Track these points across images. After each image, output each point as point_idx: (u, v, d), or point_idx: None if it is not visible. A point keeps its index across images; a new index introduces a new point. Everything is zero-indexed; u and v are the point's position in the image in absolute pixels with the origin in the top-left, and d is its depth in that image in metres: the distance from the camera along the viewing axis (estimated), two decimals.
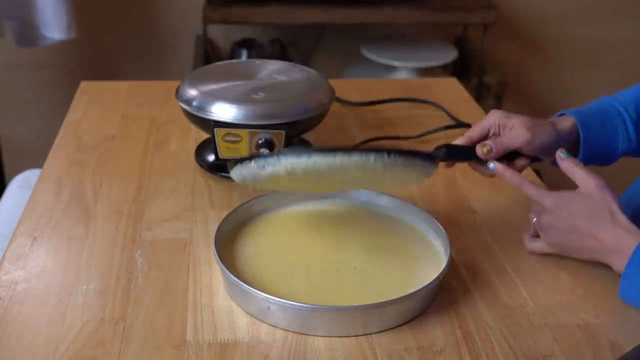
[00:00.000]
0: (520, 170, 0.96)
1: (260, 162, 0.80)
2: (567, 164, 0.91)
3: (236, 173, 0.85)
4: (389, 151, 0.79)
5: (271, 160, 0.80)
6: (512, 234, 0.98)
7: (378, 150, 0.78)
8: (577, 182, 0.89)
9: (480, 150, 0.94)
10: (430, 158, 0.86)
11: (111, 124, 1.28)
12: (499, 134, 0.96)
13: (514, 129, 0.95)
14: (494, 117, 0.96)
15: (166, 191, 1.07)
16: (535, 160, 0.98)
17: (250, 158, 0.81)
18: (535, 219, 0.91)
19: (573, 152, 0.97)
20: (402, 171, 0.83)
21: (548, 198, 0.88)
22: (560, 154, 0.92)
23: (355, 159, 0.77)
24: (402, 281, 0.86)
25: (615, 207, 0.85)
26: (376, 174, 0.81)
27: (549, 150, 0.95)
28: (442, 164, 0.95)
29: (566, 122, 0.97)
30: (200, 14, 2.11)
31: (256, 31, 2.35)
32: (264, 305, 0.79)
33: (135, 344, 0.77)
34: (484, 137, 0.97)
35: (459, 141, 0.97)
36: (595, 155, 0.98)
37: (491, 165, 0.94)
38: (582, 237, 0.86)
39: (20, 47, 2.04)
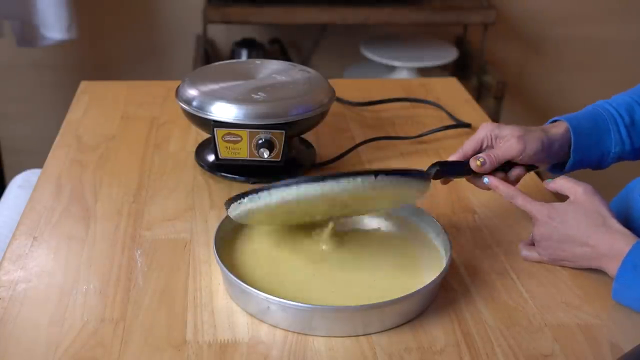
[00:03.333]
0: (517, 180, 0.97)
1: (254, 197, 0.82)
2: (554, 183, 0.92)
3: (232, 213, 0.86)
4: (377, 172, 0.79)
5: (263, 193, 0.81)
6: (512, 234, 0.98)
7: (366, 173, 0.79)
8: (566, 193, 0.90)
9: (474, 164, 0.94)
10: (421, 176, 0.85)
11: (111, 124, 1.28)
12: (492, 146, 0.97)
13: (505, 140, 0.95)
14: (486, 130, 0.97)
15: (166, 191, 1.07)
16: (531, 169, 0.98)
17: (244, 195, 0.83)
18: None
19: (565, 157, 0.98)
20: (393, 192, 0.83)
21: (540, 210, 0.89)
22: (547, 181, 0.94)
23: (344, 183, 0.78)
24: (402, 281, 0.86)
25: (605, 212, 0.86)
26: (367, 197, 0.82)
27: (543, 157, 0.96)
28: (438, 181, 0.96)
29: (559, 128, 0.98)
30: (200, 14, 2.11)
31: (256, 31, 2.35)
32: (264, 305, 0.79)
33: (135, 344, 0.77)
34: (478, 151, 0.98)
35: (453, 157, 0.98)
36: (586, 158, 0.99)
37: (485, 179, 0.95)
38: (575, 246, 0.87)
39: (20, 47, 2.04)
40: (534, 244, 0.93)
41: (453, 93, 1.46)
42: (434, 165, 0.94)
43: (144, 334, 0.78)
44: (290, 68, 1.17)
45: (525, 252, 0.93)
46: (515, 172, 0.97)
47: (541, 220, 0.89)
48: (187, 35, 2.32)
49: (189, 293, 0.85)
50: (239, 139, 1.04)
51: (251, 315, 0.82)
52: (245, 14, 2.08)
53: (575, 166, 0.99)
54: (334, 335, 0.79)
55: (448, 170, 0.95)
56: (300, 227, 0.94)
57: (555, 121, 1.01)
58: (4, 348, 0.76)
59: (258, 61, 1.21)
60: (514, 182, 0.97)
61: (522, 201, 0.91)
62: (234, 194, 1.05)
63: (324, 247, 0.91)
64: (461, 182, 1.11)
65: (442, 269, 0.84)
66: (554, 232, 0.88)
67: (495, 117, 2.12)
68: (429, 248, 0.92)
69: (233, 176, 1.09)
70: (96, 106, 1.35)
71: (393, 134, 1.26)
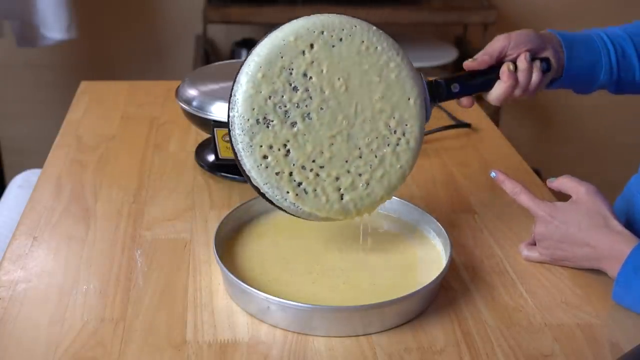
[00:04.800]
0: (528, 70, 0.93)
1: (239, 76, 0.80)
2: (557, 181, 0.92)
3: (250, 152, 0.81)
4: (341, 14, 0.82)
5: (248, 59, 0.81)
6: (512, 234, 0.98)
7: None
8: (569, 193, 0.90)
9: (467, 61, 0.94)
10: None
11: (111, 124, 1.28)
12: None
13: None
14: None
15: (166, 191, 1.07)
16: (542, 61, 0.94)
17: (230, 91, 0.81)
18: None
19: (558, 73, 0.96)
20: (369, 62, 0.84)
21: (542, 208, 0.89)
22: (549, 180, 0.93)
23: (316, 18, 0.87)
24: (402, 281, 0.86)
25: (607, 213, 0.86)
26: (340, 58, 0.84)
27: (536, 42, 0.94)
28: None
29: (550, 33, 0.97)
30: (200, 14, 2.11)
31: (256, 31, 2.35)
32: (264, 305, 0.79)
33: (135, 344, 0.77)
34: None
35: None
36: (577, 79, 0.98)
37: (492, 173, 0.94)
38: (576, 246, 0.87)
39: (20, 47, 2.04)
40: (535, 244, 0.92)
41: None
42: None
43: (144, 334, 0.78)
44: None
45: (527, 252, 0.93)
46: (521, 56, 0.93)
47: (543, 219, 0.89)
48: (187, 35, 2.33)
49: (189, 293, 0.85)
50: None
51: (251, 315, 0.82)
52: (245, 14, 2.08)
53: (565, 79, 0.97)
54: (334, 335, 0.79)
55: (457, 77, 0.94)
56: (300, 227, 0.94)
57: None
58: (4, 348, 0.76)
59: None
60: (527, 68, 0.93)
61: (525, 199, 0.91)
62: (233, 194, 1.06)
63: (323, 246, 0.91)
64: (461, 182, 1.11)
65: (442, 269, 0.84)
66: (555, 232, 0.88)
67: (495, 117, 2.12)
68: (429, 248, 0.92)
69: (233, 176, 1.09)
70: (96, 106, 1.35)
71: None
